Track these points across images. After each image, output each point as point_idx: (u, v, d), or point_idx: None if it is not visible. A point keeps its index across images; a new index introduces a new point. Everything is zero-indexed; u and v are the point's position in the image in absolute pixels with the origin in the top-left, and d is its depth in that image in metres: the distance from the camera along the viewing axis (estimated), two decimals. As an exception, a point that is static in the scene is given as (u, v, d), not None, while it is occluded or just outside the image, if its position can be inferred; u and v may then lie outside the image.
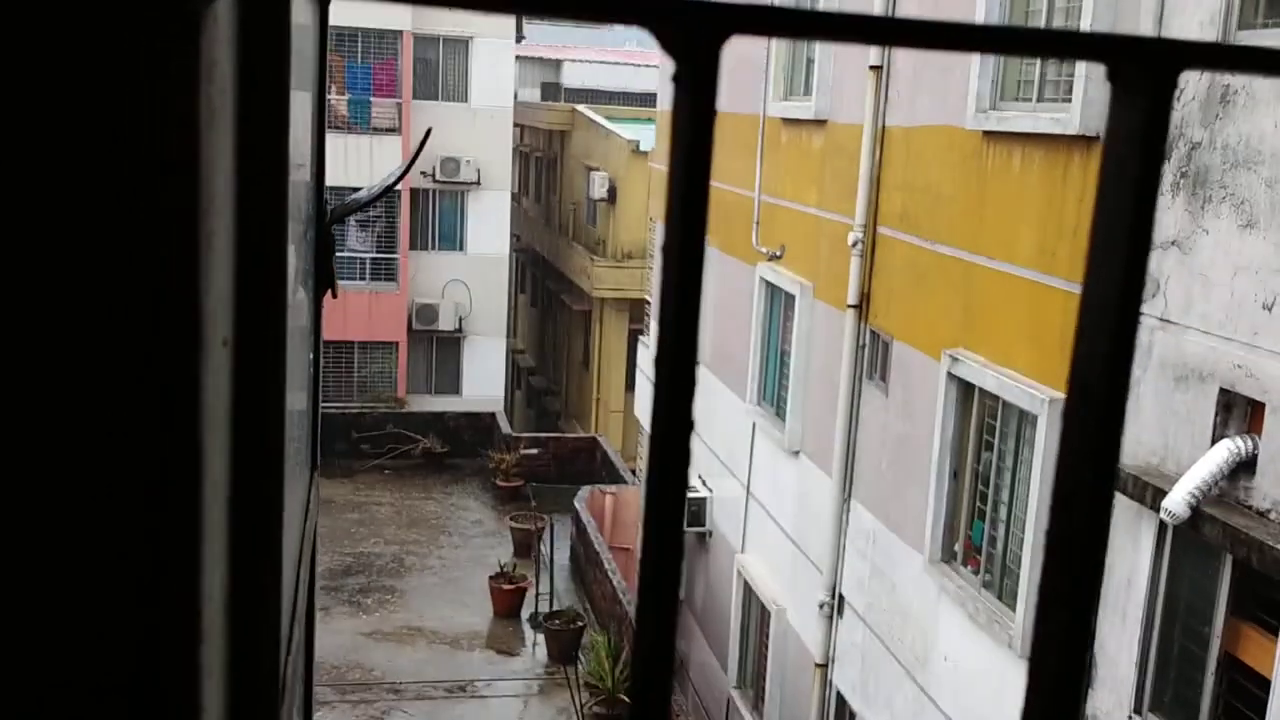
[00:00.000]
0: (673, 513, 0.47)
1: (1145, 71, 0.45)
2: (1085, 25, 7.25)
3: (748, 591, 13.07)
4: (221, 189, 0.48)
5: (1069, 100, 7.55)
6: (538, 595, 17.38)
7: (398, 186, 25.16)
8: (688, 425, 0.43)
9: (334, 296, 1.74)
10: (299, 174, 1.36)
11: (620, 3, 0.41)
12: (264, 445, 0.66)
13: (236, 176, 0.58)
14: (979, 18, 8.44)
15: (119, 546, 0.44)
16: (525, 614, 17.52)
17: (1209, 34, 6.28)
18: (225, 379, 0.54)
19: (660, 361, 0.42)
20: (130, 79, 0.40)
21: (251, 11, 0.57)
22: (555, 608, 17.11)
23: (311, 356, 1.71)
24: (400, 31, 25.12)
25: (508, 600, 17.55)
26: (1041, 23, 8.03)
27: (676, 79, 0.43)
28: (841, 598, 10.79)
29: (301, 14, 1.16)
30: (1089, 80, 7.23)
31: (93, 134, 0.39)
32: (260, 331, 0.63)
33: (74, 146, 0.40)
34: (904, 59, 9.85)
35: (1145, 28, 6.70)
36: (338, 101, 25.22)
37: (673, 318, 0.41)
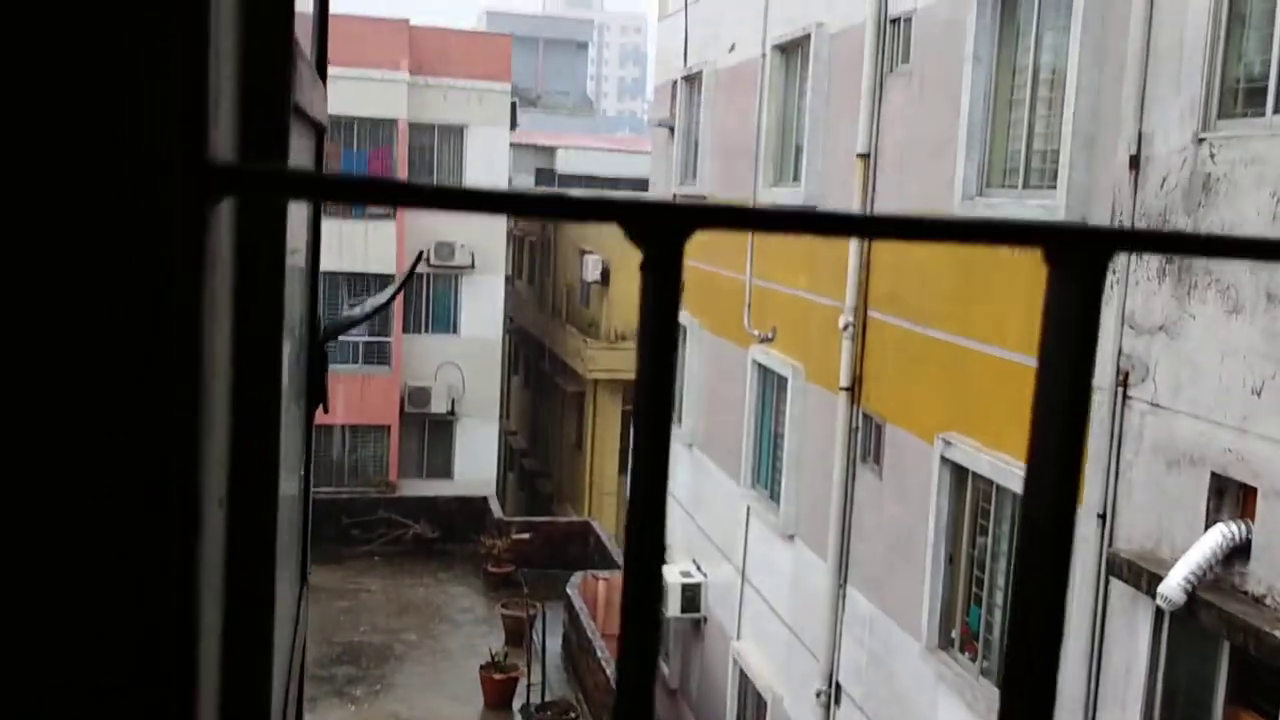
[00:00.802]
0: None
1: (1078, 256, 0.48)
2: (1068, 116, 7.41)
3: (743, 680, 12.89)
4: (220, 356, 0.51)
5: (1054, 187, 7.68)
6: (529, 685, 17.11)
7: (392, 273, 25.34)
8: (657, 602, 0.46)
9: (325, 412, 1.76)
10: (294, 293, 1.40)
11: (597, 205, 0.45)
12: (257, 599, 0.68)
13: (234, 340, 0.61)
14: (963, 111, 8.63)
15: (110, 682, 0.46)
16: (517, 705, 17.22)
17: (1189, 124, 6.42)
18: (219, 538, 0.57)
19: (627, 551, 0.45)
20: (137, 273, 0.43)
21: (250, 208, 0.61)
22: (548, 698, 16.84)
23: (303, 473, 1.74)
24: (396, 120, 25.52)
25: (499, 690, 17.27)
26: (1024, 115, 8.21)
27: (643, 267, 0.46)
28: (839, 686, 10.65)
29: (300, 153, 1.20)
30: (1073, 168, 7.37)
31: (99, 333, 0.42)
32: (254, 490, 0.66)
33: (82, 339, 0.43)
34: (892, 145, 10.04)
35: (1127, 117, 6.85)
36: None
37: (640, 500, 0.44)
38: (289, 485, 1.36)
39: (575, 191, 0.45)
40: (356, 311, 3.30)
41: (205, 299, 0.44)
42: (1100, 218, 7.04)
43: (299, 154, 1.17)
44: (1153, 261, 6.60)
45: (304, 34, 1.40)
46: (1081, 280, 0.47)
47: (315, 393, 1.62)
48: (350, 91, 24.26)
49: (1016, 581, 0.53)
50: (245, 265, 0.61)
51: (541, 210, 0.45)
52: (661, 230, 0.45)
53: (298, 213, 1.40)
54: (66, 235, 0.43)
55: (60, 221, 0.43)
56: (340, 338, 28.10)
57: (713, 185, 14.39)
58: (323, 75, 1.72)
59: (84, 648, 0.45)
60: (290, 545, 1.42)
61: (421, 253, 4.08)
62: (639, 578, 0.48)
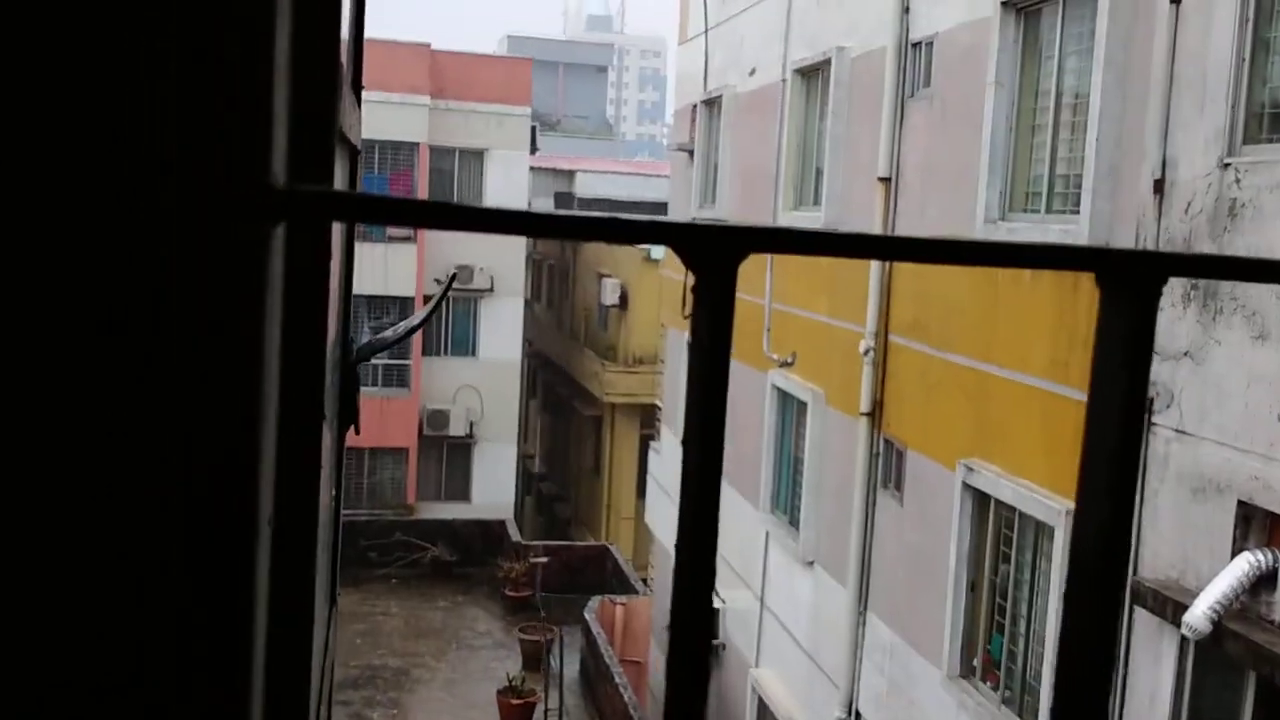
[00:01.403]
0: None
1: (1131, 281, 0.48)
2: (1091, 140, 7.39)
3: (762, 707, 12.79)
4: (272, 378, 0.52)
5: (1077, 212, 7.66)
6: (547, 710, 17.03)
7: (412, 295, 25.45)
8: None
9: (357, 433, 1.77)
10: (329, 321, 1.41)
11: (649, 228, 0.45)
12: (297, 620, 0.69)
13: (281, 361, 0.62)
14: (985, 136, 8.62)
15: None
16: (535, 728, 17.14)
17: (1214, 150, 6.39)
18: (267, 556, 0.57)
19: (677, 583, 0.44)
20: (203, 294, 0.44)
21: (299, 231, 0.62)
22: (565, 721, 16.76)
23: (334, 493, 1.74)
24: (417, 144, 25.68)
25: (516, 716, 17.19)
26: (1047, 139, 8.19)
27: (695, 291, 0.46)
28: (859, 714, 10.56)
29: (339, 176, 1.21)
30: (1096, 193, 7.34)
31: (167, 355, 0.42)
32: (297, 510, 0.66)
33: (159, 356, 0.43)
34: (913, 169, 10.03)
35: (1151, 142, 6.83)
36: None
37: (691, 526, 0.44)
38: (323, 510, 1.36)
39: (629, 216, 0.45)
40: (389, 334, 3.31)
41: (266, 321, 0.44)
42: (1124, 243, 7.00)
43: (338, 176, 1.18)
44: (1177, 286, 6.57)
45: (342, 56, 1.42)
46: (1135, 305, 0.47)
47: (347, 414, 1.63)
48: (372, 115, 24.41)
49: (1064, 628, 0.52)
50: (293, 287, 0.62)
51: (596, 234, 0.45)
52: (715, 253, 0.45)
53: (334, 235, 1.41)
54: (136, 256, 0.43)
55: (130, 243, 0.43)
56: (360, 360, 28.11)
57: (732, 209, 14.40)
58: (358, 97, 1.74)
59: (146, 665, 0.45)
60: (321, 567, 1.42)
61: (454, 274, 4.10)
62: (688, 608, 0.47)
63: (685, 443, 0.48)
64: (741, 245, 0.44)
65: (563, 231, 0.44)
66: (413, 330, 3.09)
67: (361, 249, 24.92)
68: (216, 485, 0.44)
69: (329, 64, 0.72)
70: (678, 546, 0.48)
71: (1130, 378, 0.48)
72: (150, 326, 0.43)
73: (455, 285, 26.27)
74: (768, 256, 13.13)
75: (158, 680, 0.44)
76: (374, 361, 26.21)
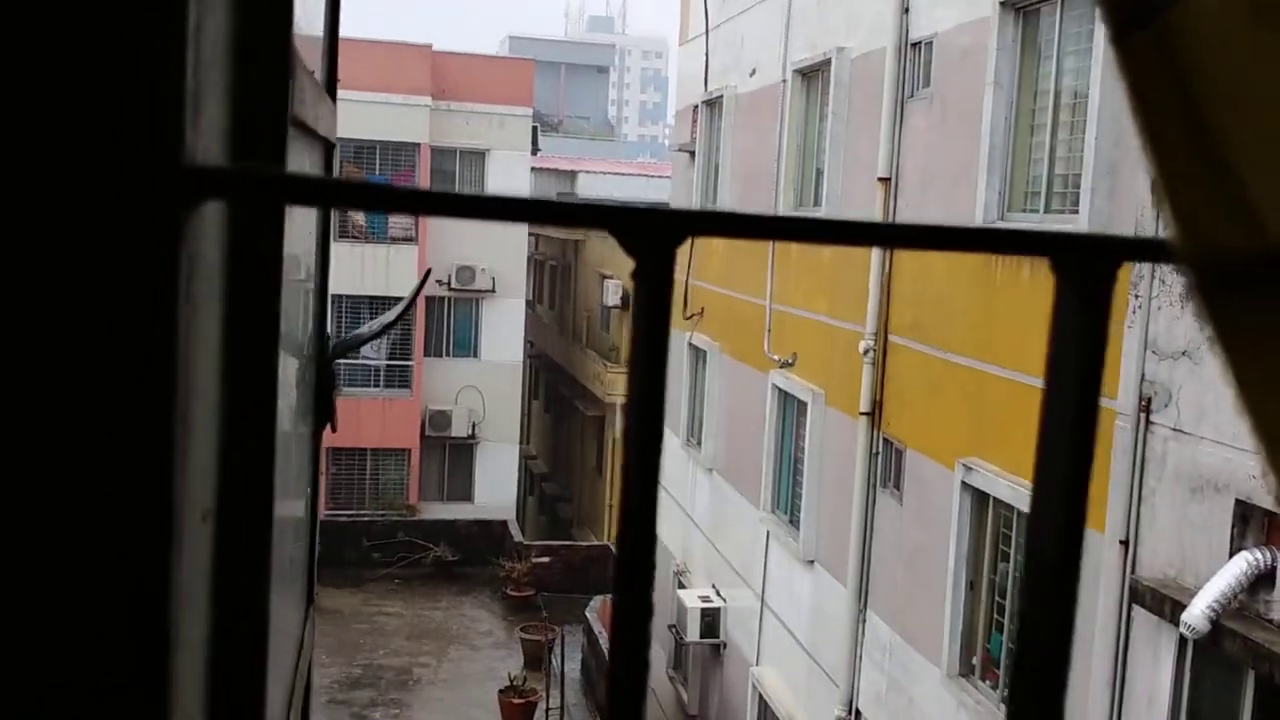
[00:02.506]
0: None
1: (1085, 265, 0.47)
2: (1090, 140, 7.38)
3: (763, 705, 12.79)
4: (204, 365, 0.50)
5: (1076, 211, 7.65)
6: (548, 709, 17.03)
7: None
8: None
9: (333, 431, 1.76)
10: (301, 310, 1.40)
11: (586, 210, 0.44)
12: (249, 616, 0.67)
13: (225, 350, 0.60)
14: (984, 135, 8.61)
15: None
16: (536, 728, 17.14)
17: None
18: (205, 552, 0.56)
19: (618, 565, 0.43)
20: (108, 273, 0.42)
21: (242, 217, 0.60)
22: (567, 721, 16.75)
23: (310, 490, 1.73)
24: (418, 144, 25.69)
25: (518, 715, 17.19)
26: (1046, 139, 8.18)
27: (635, 276, 0.45)
28: (858, 712, 10.55)
29: (306, 168, 1.20)
30: (1095, 192, 7.33)
31: (66, 333, 0.41)
32: (246, 505, 0.65)
33: (51, 341, 0.42)
34: (913, 169, 10.02)
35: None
36: (355, 212, 25.68)
37: (634, 506, 0.43)
38: (294, 505, 1.35)
39: (561, 199, 0.44)
40: (364, 330, 3.30)
41: (181, 302, 0.43)
42: (1122, 242, 6.99)
43: (305, 169, 1.17)
44: (1175, 286, 6.55)
45: (313, 55, 1.40)
46: (1088, 290, 0.46)
47: (323, 411, 1.62)
48: (373, 116, 24.46)
49: (1021, 614, 0.51)
50: (237, 275, 0.61)
51: (529, 215, 0.44)
52: (653, 237, 0.44)
53: (304, 229, 1.40)
54: (34, 235, 0.42)
55: (28, 221, 0.42)
56: (361, 361, 28.19)
57: (733, 208, 14.38)
58: (332, 95, 1.72)
59: (45, 655, 0.44)
60: (295, 566, 1.41)
61: (429, 270, 4.09)
62: (628, 598, 0.46)
63: (627, 420, 0.47)
64: (678, 229, 0.43)
65: (494, 213, 0.43)
66: (389, 325, 3.08)
67: (364, 250, 25.07)
68: (126, 478, 0.43)
69: (279, 50, 0.71)
70: (618, 541, 0.47)
71: (1084, 363, 0.47)
72: (46, 309, 0.42)
73: (457, 285, 26.27)
74: (769, 259, 13.13)
75: (62, 677, 0.43)
76: (375, 363, 26.23)
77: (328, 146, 1.46)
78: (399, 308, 2.87)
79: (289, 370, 1.10)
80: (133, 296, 0.42)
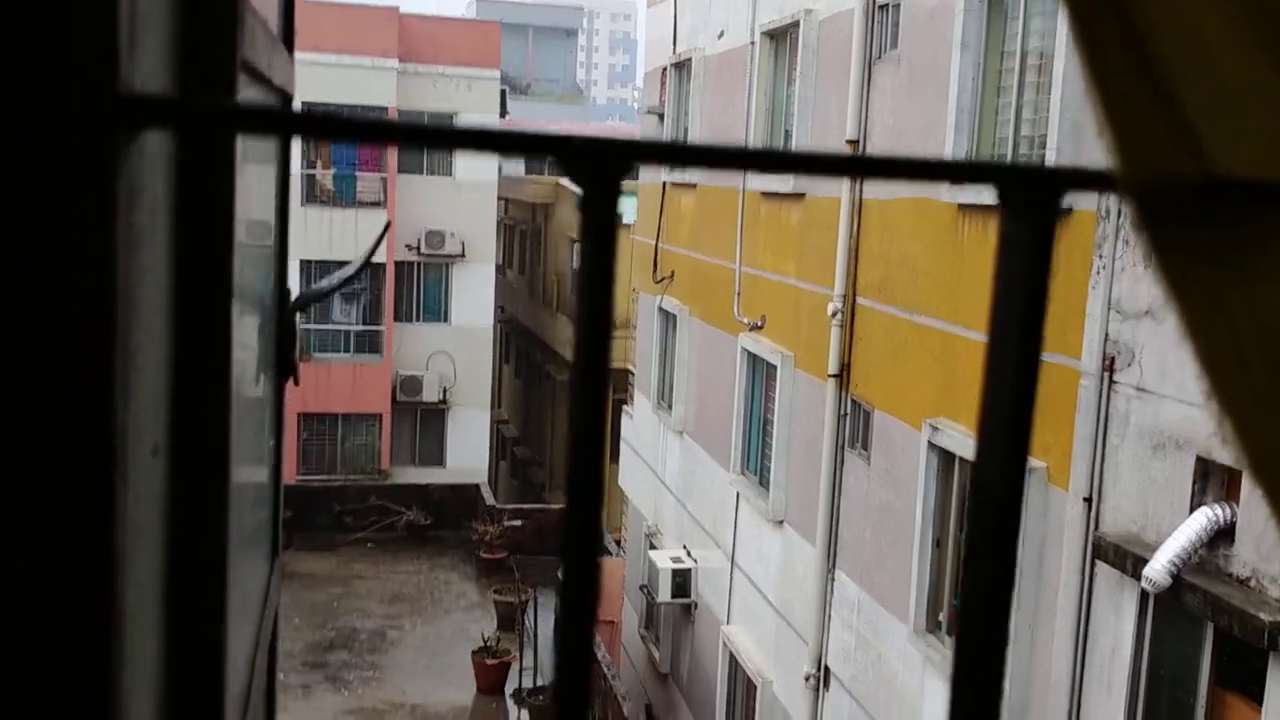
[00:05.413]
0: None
1: (1029, 196, 0.47)
2: (1055, 101, 7.40)
3: (733, 663, 12.93)
4: (148, 301, 0.50)
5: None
6: (522, 669, 17.15)
7: (383, 261, 25.30)
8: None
9: (295, 384, 1.75)
10: (260, 263, 1.39)
11: (535, 140, 0.44)
12: (204, 550, 0.67)
13: (174, 291, 0.60)
14: (951, 96, 8.62)
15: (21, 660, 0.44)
16: (509, 689, 17.26)
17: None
18: (157, 487, 0.56)
19: (568, 492, 0.44)
20: (43, 206, 0.42)
21: (188, 141, 0.60)
22: (540, 682, 16.88)
23: (273, 443, 1.72)
24: (385, 108, 25.43)
25: (491, 675, 17.31)
26: (1012, 100, 8.20)
27: (581, 206, 0.45)
28: (827, 669, 10.69)
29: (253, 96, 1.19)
30: (1060, 151, 7.36)
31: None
32: (199, 437, 0.64)
33: None
34: (881, 130, 10.03)
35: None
36: (323, 176, 25.45)
37: (578, 441, 0.43)
38: (256, 457, 1.34)
39: (507, 128, 0.44)
40: (325, 283, 3.30)
41: (121, 230, 0.42)
42: (1088, 202, 7.04)
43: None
44: (1139, 246, 6.60)
45: (269, 6, 1.39)
46: (1034, 220, 0.47)
47: (283, 365, 1.61)
48: (340, 79, 24.19)
49: (968, 547, 0.52)
50: (187, 211, 0.60)
51: (473, 144, 0.44)
52: (597, 165, 0.44)
53: (263, 182, 1.39)
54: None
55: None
56: (332, 327, 27.94)
57: (702, 172, 14.36)
58: (289, 48, 1.70)
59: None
60: (258, 508, 1.41)
61: (389, 223, 4.08)
62: (577, 539, 0.47)
63: (573, 363, 0.48)
64: (622, 156, 0.43)
65: (439, 142, 0.43)
66: (348, 279, 3.08)
67: (333, 215, 24.86)
68: (64, 402, 0.43)
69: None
70: (566, 485, 0.47)
71: (1030, 290, 0.47)
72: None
73: (427, 250, 26.12)
74: (737, 221, 13.12)
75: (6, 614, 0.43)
76: (346, 328, 26.09)
77: (285, 99, 1.45)
78: (359, 259, 2.85)
79: (245, 315, 1.09)
80: (66, 221, 0.41)
